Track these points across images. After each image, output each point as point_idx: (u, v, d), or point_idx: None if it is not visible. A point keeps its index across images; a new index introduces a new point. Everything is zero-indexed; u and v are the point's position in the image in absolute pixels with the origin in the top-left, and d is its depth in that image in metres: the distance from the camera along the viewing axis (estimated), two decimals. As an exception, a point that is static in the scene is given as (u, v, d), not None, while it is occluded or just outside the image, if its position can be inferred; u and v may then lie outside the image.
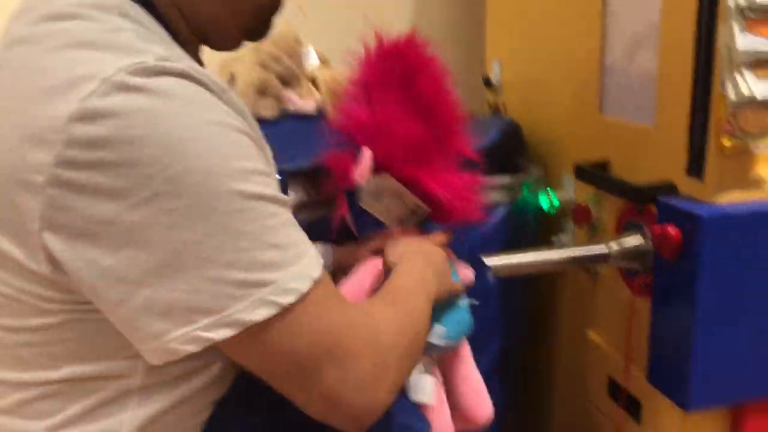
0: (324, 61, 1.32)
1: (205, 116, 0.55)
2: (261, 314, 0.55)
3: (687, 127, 0.88)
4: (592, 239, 1.14)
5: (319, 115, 1.23)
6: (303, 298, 0.57)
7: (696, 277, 0.86)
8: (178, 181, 0.52)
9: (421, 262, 0.82)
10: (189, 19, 0.67)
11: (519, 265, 0.98)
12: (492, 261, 0.96)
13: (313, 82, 1.26)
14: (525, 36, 1.41)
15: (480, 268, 0.96)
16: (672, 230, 0.86)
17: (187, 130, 0.53)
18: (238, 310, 0.55)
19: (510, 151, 1.29)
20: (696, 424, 0.95)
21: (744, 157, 0.86)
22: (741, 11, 0.78)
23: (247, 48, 1.14)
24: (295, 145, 1.11)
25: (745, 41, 0.78)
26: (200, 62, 0.73)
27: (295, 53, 1.16)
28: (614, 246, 1.00)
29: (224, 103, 0.57)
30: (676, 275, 0.90)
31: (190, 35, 0.68)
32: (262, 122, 1.11)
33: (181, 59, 0.57)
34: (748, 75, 0.79)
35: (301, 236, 0.60)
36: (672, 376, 0.94)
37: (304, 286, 0.57)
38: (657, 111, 0.96)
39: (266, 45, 1.14)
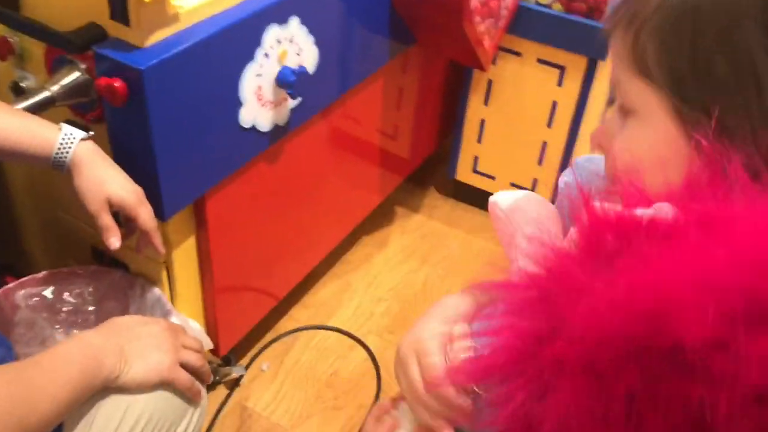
0: None
1: None
2: None
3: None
4: (26, 68, 1.10)
5: None
6: None
7: (147, 117, 0.95)
8: None
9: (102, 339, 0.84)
10: None
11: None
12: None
13: None
14: None
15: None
16: (118, 84, 0.91)
17: None
18: None
19: None
20: (172, 222, 1.13)
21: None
22: None
23: None
24: None
25: None
26: None
27: None
28: (55, 87, 1.00)
29: None
30: (129, 117, 0.97)
31: None
32: None
33: None
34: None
35: None
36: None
37: None
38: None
39: None
